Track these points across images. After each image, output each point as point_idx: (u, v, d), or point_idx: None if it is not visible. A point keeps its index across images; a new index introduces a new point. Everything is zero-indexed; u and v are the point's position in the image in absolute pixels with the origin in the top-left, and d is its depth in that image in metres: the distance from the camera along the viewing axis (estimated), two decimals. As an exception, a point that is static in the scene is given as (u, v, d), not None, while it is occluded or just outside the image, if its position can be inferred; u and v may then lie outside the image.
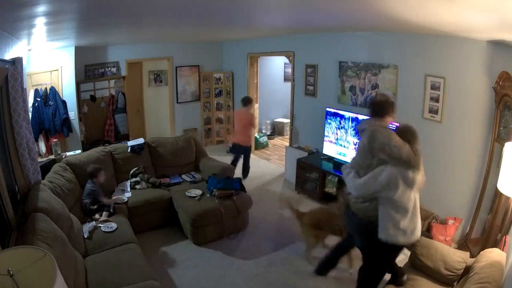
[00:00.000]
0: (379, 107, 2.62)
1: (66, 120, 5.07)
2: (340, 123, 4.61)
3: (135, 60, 6.35)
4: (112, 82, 6.27)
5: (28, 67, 4.39)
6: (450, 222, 3.61)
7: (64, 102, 5.08)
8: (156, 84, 7.20)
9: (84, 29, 3.43)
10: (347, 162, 2.87)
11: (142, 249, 3.03)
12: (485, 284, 1.96)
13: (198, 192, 4.03)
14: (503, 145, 2.49)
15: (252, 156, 6.86)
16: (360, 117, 4.32)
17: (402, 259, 3.41)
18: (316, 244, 3.35)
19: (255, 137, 7.24)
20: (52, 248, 2.13)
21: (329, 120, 4.75)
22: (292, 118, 5.95)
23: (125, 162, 4.38)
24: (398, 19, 2.76)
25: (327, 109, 4.77)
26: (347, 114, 4.50)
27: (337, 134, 4.68)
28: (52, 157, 4.60)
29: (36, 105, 4.82)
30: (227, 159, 6.06)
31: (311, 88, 5.41)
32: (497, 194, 2.86)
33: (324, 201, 4.69)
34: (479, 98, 3.33)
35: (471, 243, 3.26)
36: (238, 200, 3.92)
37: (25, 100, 2.98)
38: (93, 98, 6.09)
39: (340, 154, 4.68)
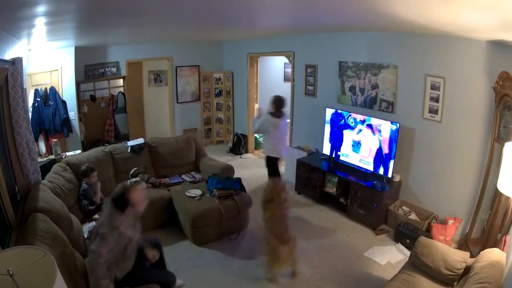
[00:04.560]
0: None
1: (66, 120, 5.06)
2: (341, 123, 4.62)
3: (135, 60, 6.35)
4: (106, 83, 6.25)
5: (28, 67, 4.38)
6: (450, 222, 3.61)
7: (64, 102, 5.08)
8: (156, 84, 7.21)
9: (84, 29, 3.43)
10: None
11: (142, 249, 3.03)
12: (485, 284, 1.96)
13: (198, 192, 4.03)
14: (503, 145, 2.48)
15: (252, 156, 6.90)
16: (360, 117, 4.34)
17: (402, 259, 3.42)
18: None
19: (255, 137, 7.24)
20: (52, 248, 2.13)
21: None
22: (292, 118, 5.95)
23: (125, 162, 4.37)
24: (398, 19, 2.76)
25: (327, 109, 4.77)
26: (347, 114, 4.52)
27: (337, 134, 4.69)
28: (52, 157, 4.59)
29: (36, 105, 4.82)
30: (227, 159, 6.08)
31: (311, 88, 5.41)
32: (497, 194, 2.86)
33: (324, 201, 4.70)
34: (479, 98, 3.33)
35: (471, 243, 3.26)
36: (238, 200, 3.92)
37: (25, 100, 2.98)
38: (93, 98, 6.09)
39: (343, 155, 4.69)
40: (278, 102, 4.33)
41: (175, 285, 2.84)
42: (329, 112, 4.74)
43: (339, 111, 4.62)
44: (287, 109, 4.75)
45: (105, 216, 2.26)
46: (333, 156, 4.76)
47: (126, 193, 2.22)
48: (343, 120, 4.56)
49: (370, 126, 4.24)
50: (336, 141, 4.69)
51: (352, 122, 4.45)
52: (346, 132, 4.54)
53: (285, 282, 3.19)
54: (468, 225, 3.47)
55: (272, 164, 4.52)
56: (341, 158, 4.65)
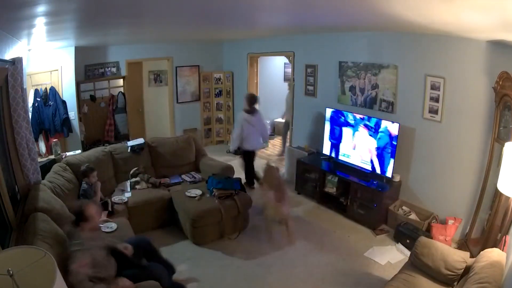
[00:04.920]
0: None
1: (66, 120, 5.07)
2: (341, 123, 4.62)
3: (135, 60, 6.35)
4: (106, 83, 6.24)
5: (28, 67, 4.38)
6: (450, 222, 3.61)
7: (64, 102, 5.08)
8: (156, 84, 7.20)
9: (84, 29, 3.43)
10: None
11: (142, 249, 3.03)
12: (485, 284, 1.96)
13: (198, 192, 4.03)
14: (503, 145, 2.48)
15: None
16: (361, 115, 4.34)
17: (402, 258, 3.42)
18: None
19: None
20: (53, 248, 2.14)
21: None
22: (292, 118, 5.95)
23: (125, 162, 4.38)
24: (398, 19, 2.76)
25: (327, 108, 4.78)
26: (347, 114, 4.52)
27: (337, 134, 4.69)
28: (52, 157, 4.59)
29: (36, 105, 4.82)
30: (227, 159, 6.07)
31: (311, 88, 5.41)
32: (497, 194, 2.86)
33: (324, 201, 4.70)
34: (479, 98, 3.33)
35: (471, 243, 3.26)
36: (238, 200, 3.92)
37: (25, 100, 2.98)
38: (93, 98, 6.10)
39: (343, 155, 4.69)
40: (250, 99, 4.81)
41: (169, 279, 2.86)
42: (329, 110, 4.75)
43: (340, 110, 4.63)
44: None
45: (69, 238, 2.45)
46: (333, 155, 4.76)
47: (81, 210, 2.42)
48: (342, 118, 4.55)
49: (366, 126, 4.24)
50: (336, 139, 4.69)
51: (351, 120, 4.44)
52: (346, 130, 4.54)
53: (284, 281, 3.19)
54: (468, 225, 3.47)
55: (247, 157, 4.90)
56: (341, 158, 4.65)
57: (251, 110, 4.79)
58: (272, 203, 3.66)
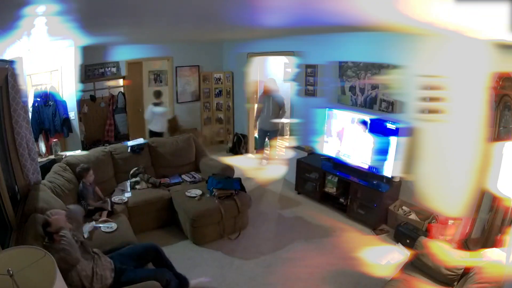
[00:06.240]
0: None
1: (66, 120, 5.07)
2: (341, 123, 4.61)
3: (135, 60, 6.35)
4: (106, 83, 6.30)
5: (28, 67, 4.38)
6: (450, 222, 3.61)
7: (64, 102, 5.08)
8: (156, 84, 7.20)
9: (84, 29, 3.42)
10: None
11: (142, 249, 3.02)
12: (485, 284, 1.96)
13: (198, 192, 4.03)
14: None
15: (252, 156, 6.90)
16: (361, 116, 4.34)
17: (402, 259, 3.42)
18: None
19: (255, 137, 7.23)
20: (52, 248, 2.12)
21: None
22: (292, 118, 5.95)
23: (125, 162, 4.37)
24: (399, 19, 2.75)
25: (327, 109, 4.77)
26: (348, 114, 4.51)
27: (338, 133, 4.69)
28: (52, 157, 4.59)
29: (36, 105, 4.82)
30: (227, 159, 6.08)
31: (311, 88, 5.41)
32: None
33: (324, 201, 4.70)
34: (479, 98, 3.33)
35: (471, 243, 3.27)
36: (238, 200, 3.92)
37: (25, 100, 2.98)
38: (93, 98, 6.10)
39: (344, 155, 4.68)
40: (157, 94, 5.95)
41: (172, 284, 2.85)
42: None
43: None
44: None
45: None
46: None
47: (46, 223, 2.25)
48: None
49: (364, 123, 4.24)
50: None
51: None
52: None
53: (284, 281, 3.19)
54: (468, 225, 3.47)
55: (156, 135, 5.91)
56: (342, 158, 4.65)
57: (158, 103, 5.90)
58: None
